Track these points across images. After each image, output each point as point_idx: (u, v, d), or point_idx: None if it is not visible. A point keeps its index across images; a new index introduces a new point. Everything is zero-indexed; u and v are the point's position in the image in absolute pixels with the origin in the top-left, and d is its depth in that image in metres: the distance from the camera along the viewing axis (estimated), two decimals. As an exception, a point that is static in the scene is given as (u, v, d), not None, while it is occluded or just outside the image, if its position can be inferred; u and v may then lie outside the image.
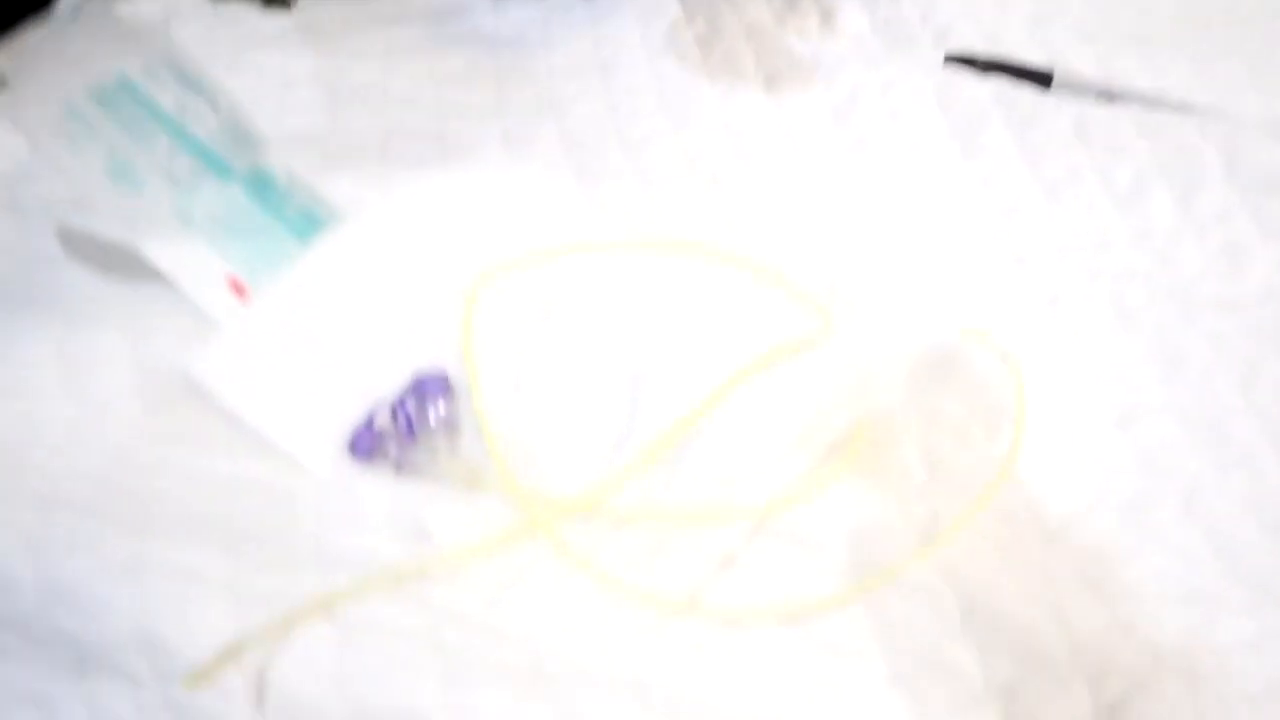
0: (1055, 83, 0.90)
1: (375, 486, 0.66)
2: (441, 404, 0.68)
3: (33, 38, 0.91)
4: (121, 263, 0.74)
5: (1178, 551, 0.64)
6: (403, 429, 0.67)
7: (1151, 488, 0.67)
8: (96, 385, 0.70)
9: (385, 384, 0.70)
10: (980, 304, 0.76)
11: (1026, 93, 0.89)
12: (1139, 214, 0.82)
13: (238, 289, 0.74)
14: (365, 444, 0.66)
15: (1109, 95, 0.89)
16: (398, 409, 0.68)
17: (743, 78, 0.92)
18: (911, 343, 0.66)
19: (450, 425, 0.68)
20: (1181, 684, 0.57)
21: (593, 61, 0.93)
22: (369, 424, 0.67)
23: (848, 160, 0.87)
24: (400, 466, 0.66)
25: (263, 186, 0.77)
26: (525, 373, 0.70)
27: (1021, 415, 0.66)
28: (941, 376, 0.67)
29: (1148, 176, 0.84)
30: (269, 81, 0.91)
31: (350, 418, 0.68)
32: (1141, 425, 0.70)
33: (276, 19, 0.99)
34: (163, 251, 0.72)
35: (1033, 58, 0.90)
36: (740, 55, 0.93)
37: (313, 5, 1.00)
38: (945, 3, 0.95)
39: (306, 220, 0.78)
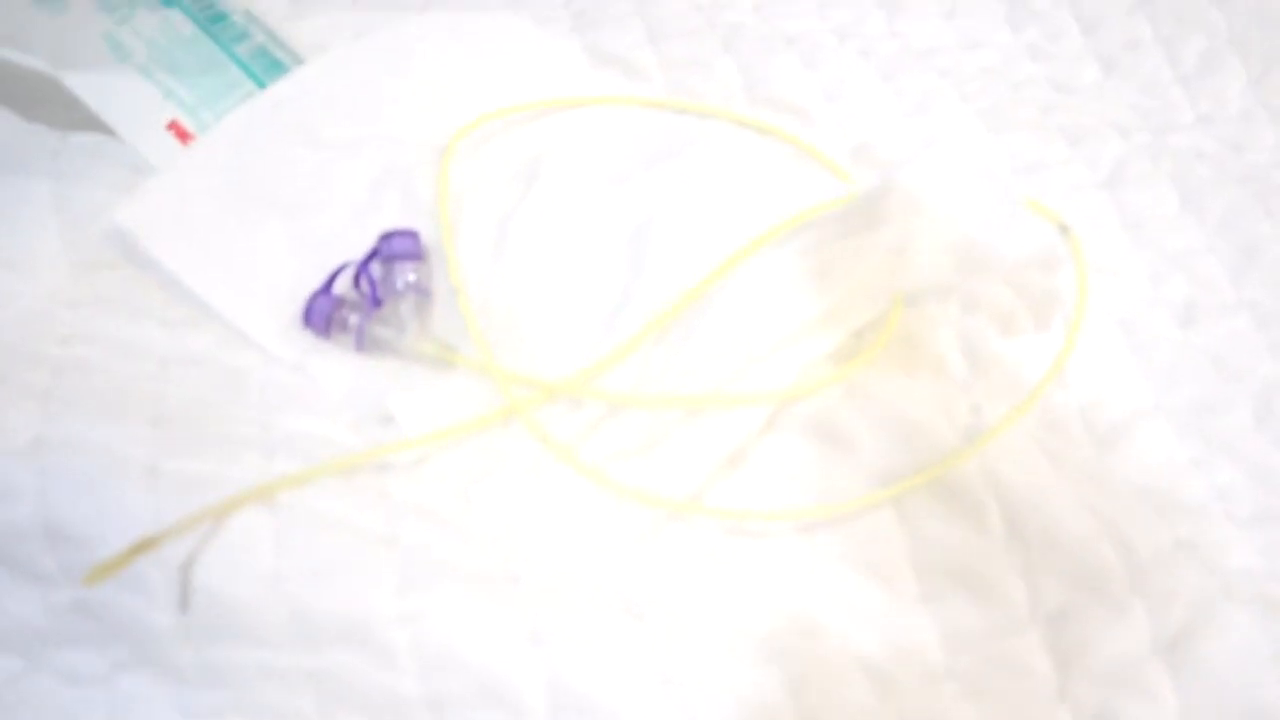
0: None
1: (331, 363, 0.58)
2: (411, 270, 0.59)
3: None
4: (47, 102, 0.65)
5: (1249, 464, 0.57)
6: (365, 296, 0.58)
7: (1219, 392, 0.60)
8: (15, 241, 0.62)
9: (346, 248, 0.61)
10: (1027, 183, 0.68)
11: (1086, -47, 0.80)
12: (1208, 93, 0.76)
13: (182, 135, 0.64)
14: (321, 313, 0.58)
15: (1179, -42, 0.80)
16: (360, 273, 0.59)
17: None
18: (954, 215, 0.56)
19: (421, 294, 0.59)
20: (1253, 615, 0.50)
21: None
22: (326, 290, 0.59)
23: (882, 21, 0.78)
24: (361, 341, 0.58)
25: (212, 17, 0.67)
26: (508, 238, 0.61)
27: (1083, 299, 0.58)
28: (987, 254, 0.58)
29: (1220, 51, 0.77)
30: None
31: (305, 284, 0.59)
32: (1209, 322, 0.63)
33: None
34: (92, 86, 0.63)
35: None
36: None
37: None
38: None
39: (266, 63, 0.68)
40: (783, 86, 0.73)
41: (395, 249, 0.59)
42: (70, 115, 0.65)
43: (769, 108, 0.71)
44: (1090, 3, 0.79)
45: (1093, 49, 0.78)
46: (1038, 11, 0.79)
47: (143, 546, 0.46)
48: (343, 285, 0.60)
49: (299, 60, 0.69)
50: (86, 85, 0.63)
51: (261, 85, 0.67)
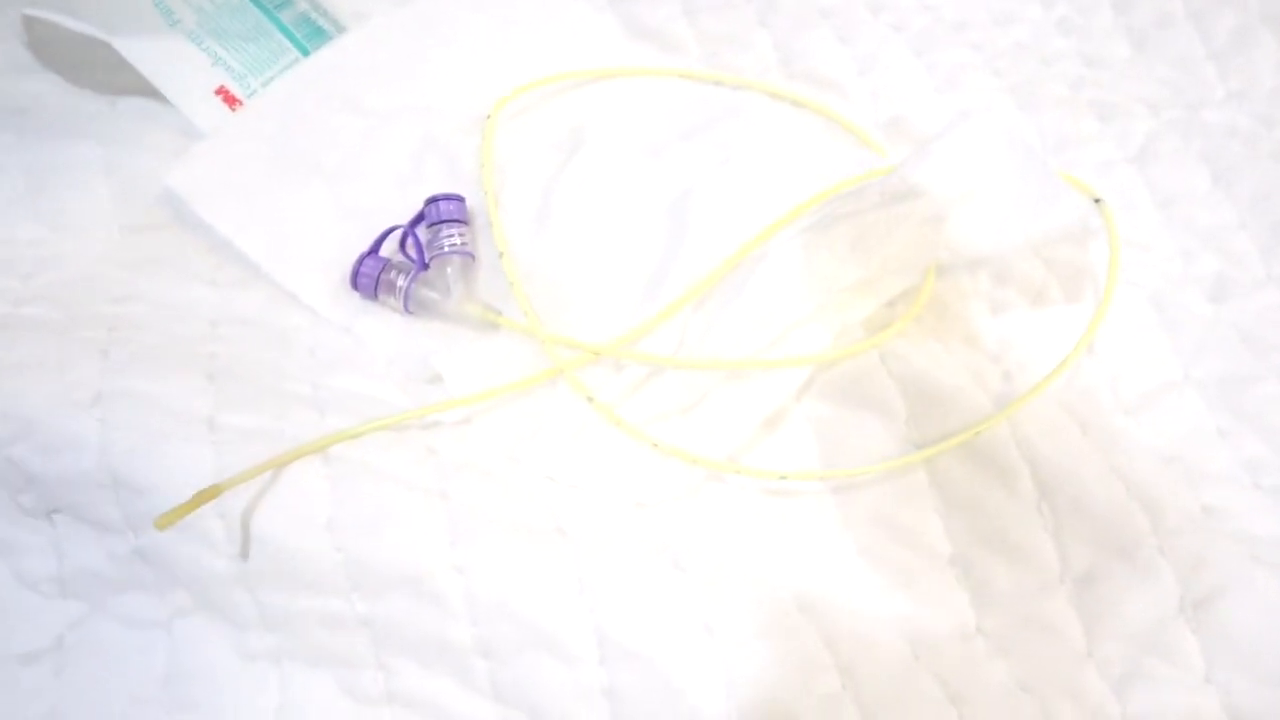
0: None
1: (379, 325, 0.59)
2: (457, 232, 0.60)
3: None
4: (97, 67, 0.66)
5: (1274, 436, 0.58)
6: (412, 259, 0.60)
7: (1248, 366, 0.61)
8: (68, 204, 0.63)
9: (392, 211, 0.62)
10: (1057, 159, 0.69)
11: (1117, -74, 0.80)
12: (1240, 69, 0.75)
13: (230, 101, 0.65)
14: (369, 276, 0.59)
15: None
16: (407, 236, 0.60)
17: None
18: (988, 182, 0.57)
19: (466, 257, 0.60)
20: (1278, 581, 0.51)
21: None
22: (373, 252, 0.60)
23: (913, -4, 0.79)
24: (408, 302, 0.59)
25: (258, -15, 0.68)
26: (551, 206, 0.62)
27: (1114, 270, 0.59)
28: (1020, 227, 0.58)
29: (1252, 27, 0.77)
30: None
31: (350, 248, 0.60)
32: (1238, 297, 0.64)
33: None
34: (142, 51, 0.64)
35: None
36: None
37: None
38: None
39: (309, 30, 0.69)
40: (817, 60, 0.73)
41: (442, 213, 0.60)
42: (115, 79, 0.65)
43: (803, 81, 0.72)
44: (1121, -25, 0.80)
45: (1124, 24, 0.78)
46: (1067, -15, 0.80)
47: (208, 494, 0.48)
48: (389, 248, 0.61)
49: (340, 27, 0.70)
50: (138, 50, 0.64)
51: (305, 52, 0.68)
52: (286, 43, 0.68)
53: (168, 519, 0.47)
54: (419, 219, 0.61)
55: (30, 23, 0.67)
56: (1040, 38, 0.77)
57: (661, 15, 0.75)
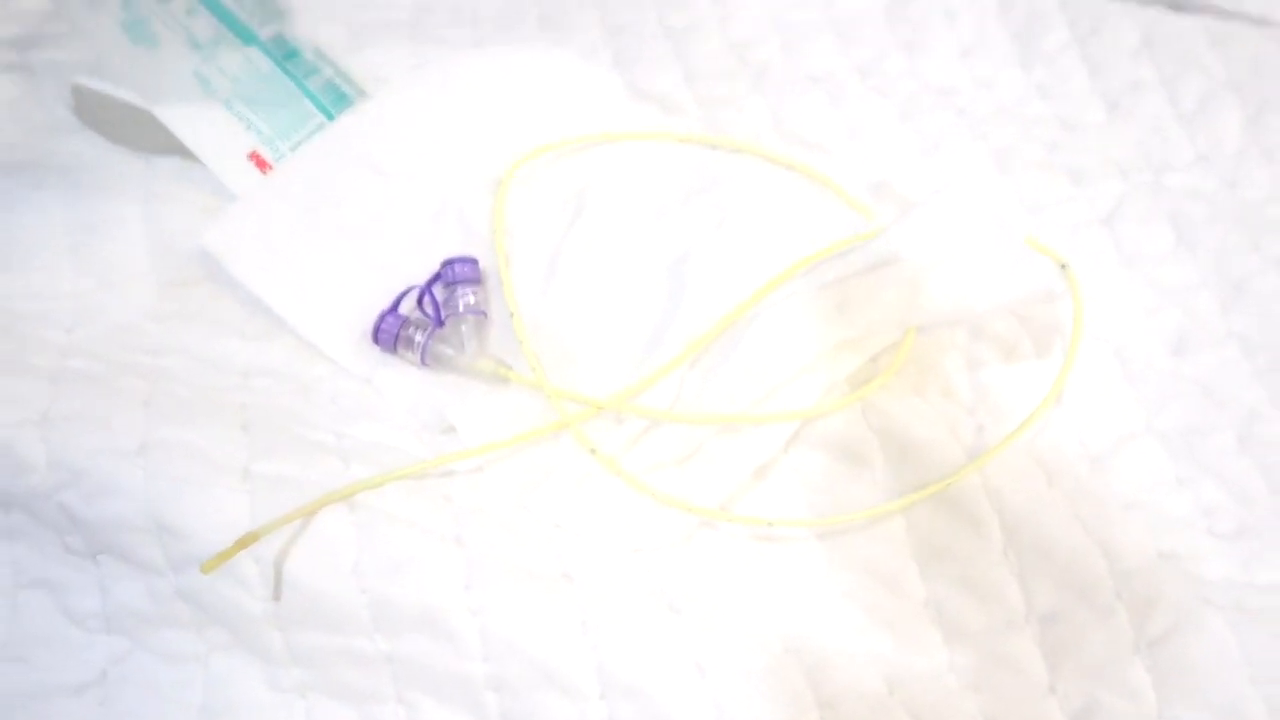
0: (1127, -14, 0.85)
1: (397, 377, 0.64)
2: (471, 292, 0.64)
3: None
4: (137, 130, 0.70)
5: (1230, 484, 0.62)
6: (429, 316, 0.64)
7: (1206, 417, 0.65)
8: (108, 260, 0.66)
9: (411, 271, 0.66)
10: (1032, 220, 0.73)
11: (1094, -3, 0.84)
12: (1205, 132, 0.79)
13: (261, 165, 0.70)
14: (389, 331, 0.63)
15: (1180, 3, 0.84)
16: (424, 295, 0.64)
17: (794, -31, 0.87)
18: (963, 250, 0.62)
19: (479, 315, 0.65)
20: (1229, 621, 0.55)
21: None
22: (393, 309, 0.64)
23: (900, 61, 0.83)
24: (424, 357, 0.63)
25: (286, 54, 0.73)
26: (559, 264, 0.66)
27: (1079, 330, 0.63)
28: (992, 290, 0.63)
29: (1217, 93, 0.81)
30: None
31: (371, 304, 0.65)
32: (1199, 352, 0.68)
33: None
34: (181, 118, 0.68)
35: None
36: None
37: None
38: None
39: (333, 96, 0.73)
40: (808, 124, 0.77)
41: (457, 274, 0.64)
42: (153, 139, 0.70)
43: (795, 144, 0.76)
44: (1097, 44, 0.83)
45: (1099, 89, 0.81)
46: (1047, 52, 0.83)
47: (248, 540, 0.52)
48: (407, 306, 0.65)
49: (362, 92, 0.74)
50: (176, 117, 0.68)
51: (330, 117, 0.72)
52: (313, 108, 0.72)
53: (213, 563, 0.51)
54: (436, 278, 0.65)
55: (77, 91, 0.72)
56: (1020, 102, 0.81)
57: (663, 80, 0.80)
